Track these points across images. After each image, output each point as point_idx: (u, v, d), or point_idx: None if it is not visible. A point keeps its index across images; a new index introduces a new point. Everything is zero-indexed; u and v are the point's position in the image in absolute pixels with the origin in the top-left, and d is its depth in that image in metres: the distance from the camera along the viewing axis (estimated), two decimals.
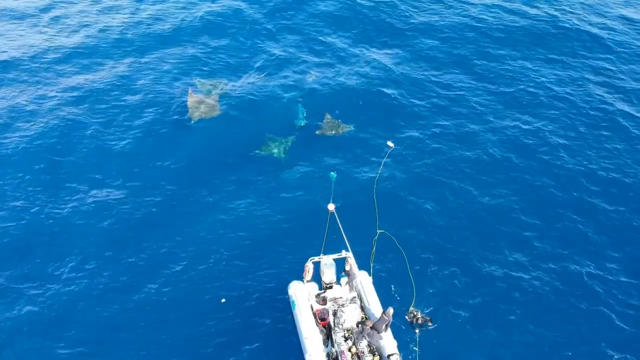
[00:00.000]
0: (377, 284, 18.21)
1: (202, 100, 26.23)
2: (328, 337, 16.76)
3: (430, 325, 17.77)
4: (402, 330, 17.57)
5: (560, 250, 20.50)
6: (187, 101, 25.97)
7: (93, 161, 23.52)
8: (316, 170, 23.19)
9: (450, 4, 34.19)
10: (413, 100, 26.81)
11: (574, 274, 19.72)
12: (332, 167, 22.82)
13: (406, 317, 18.03)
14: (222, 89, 27.36)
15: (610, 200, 22.16)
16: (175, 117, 25.64)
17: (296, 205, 21.77)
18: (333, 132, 24.97)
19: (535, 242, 20.74)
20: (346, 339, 16.42)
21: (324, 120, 25.65)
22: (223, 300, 19.07)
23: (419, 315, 17.95)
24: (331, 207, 18.65)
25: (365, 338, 16.09)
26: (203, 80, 27.88)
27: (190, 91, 26.45)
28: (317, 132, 25.17)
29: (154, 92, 27.12)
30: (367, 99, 26.84)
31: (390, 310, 16.32)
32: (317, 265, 17.97)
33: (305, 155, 23.86)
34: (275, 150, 23.55)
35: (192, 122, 25.26)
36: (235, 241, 20.54)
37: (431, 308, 18.41)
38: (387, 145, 22.06)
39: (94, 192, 22.24)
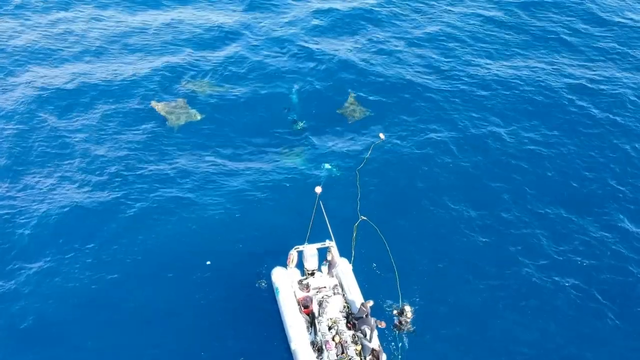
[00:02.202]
0: (360, 272, 18.80)
1: (177, 106, 25.40)
2: (311, 325, 17.46)
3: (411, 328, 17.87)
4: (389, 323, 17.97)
5: (552, 242, 21.07)
6: (159, 113, 25.19)
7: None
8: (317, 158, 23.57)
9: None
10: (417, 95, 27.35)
11: (565, 268, 20.32)
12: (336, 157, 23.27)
13: (395, 312, 17.96)
14: (204, 90, 26.93)
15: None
16: (153, 128, 24.87)
17: (285, 192, 22.22)
18: (354, 114, 25.44)
19: (525, 230, 21.39)
20: (330, 328, 17.18)
21: (348, 100, 26.14)
22: (208, 262, 19.56)
23: (408, 310, 17.72)
24: (318, 189, 18.95)
25: (362, 327, 16.82)
26: (188, 81, 27.39)
27: (152, 102, 25.58)
28: (338, 111, 25.89)
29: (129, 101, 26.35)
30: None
31: (369, 303, 17.04)
32: (300, 253, 18.51)
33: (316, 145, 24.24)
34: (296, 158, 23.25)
35: (175, 130, 24.54)
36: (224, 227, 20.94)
37: (416, 298, 18.93)
38: (379, 137, 22.28)
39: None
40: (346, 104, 26.28)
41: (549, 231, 21.31)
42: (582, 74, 28.42)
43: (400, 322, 17.62)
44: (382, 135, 21.53)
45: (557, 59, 29.52)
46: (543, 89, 27.57)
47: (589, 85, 27.63)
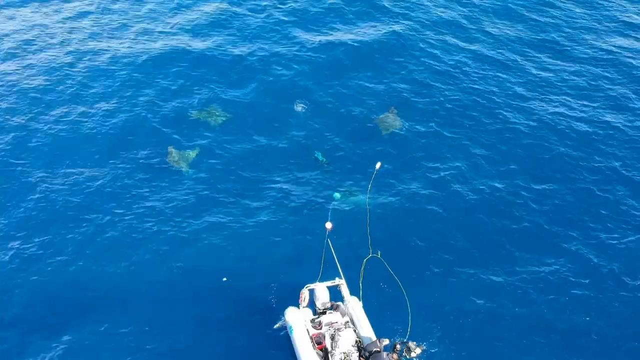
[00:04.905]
0: (369, 308, 19.26)
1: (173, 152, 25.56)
2: None
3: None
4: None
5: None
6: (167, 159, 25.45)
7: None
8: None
9: None
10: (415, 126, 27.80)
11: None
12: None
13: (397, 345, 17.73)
14: (213, 118, 27.37)
15: None
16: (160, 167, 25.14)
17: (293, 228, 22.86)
18: (389, 129, 26.29)
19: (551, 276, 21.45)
20: None
21: (388, 113, 27.28)
22: (225, 279, 20.30)
23: (412, 345, 17.56)
24: (329, 225, 19.60)
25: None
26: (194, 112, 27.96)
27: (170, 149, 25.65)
28: (374, 120, 27.04)
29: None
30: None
31: (385, 341, 17.48)
32: (311, 292, 19.13)
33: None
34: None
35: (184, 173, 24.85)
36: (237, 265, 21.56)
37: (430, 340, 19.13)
38: (375, 167, 22.73)
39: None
40: (383, 116, 27.30)
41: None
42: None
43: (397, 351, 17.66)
44: (378, 165, 21.75)
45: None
46: None
47: None
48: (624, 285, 21.17)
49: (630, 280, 21.31)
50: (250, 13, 34.59)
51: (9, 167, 24.95)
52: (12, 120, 27.19)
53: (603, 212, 23.75)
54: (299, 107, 28.08)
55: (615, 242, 22.61)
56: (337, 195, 20.80)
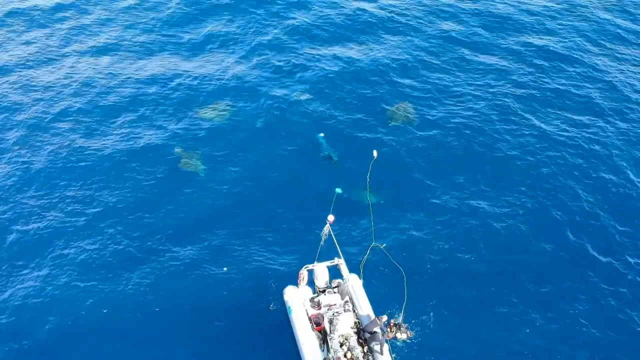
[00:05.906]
0: (369, 289, 19.27)
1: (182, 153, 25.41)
2: (324, 342, 17.95)
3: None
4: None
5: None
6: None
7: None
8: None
9: None
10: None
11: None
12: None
13: (391, 322, 17.99)
14: (218, 115, 27.25)
15: None
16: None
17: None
18: (400, 121, 26.30)
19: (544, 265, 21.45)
20: (341, 344, 17.64)
21: (400, 106, 27.17)
22: (225, 269, 20.48)
23: (403, 326, 17.91)
24: (331, 218, 19.43)
25: (371, 344, 17.24)
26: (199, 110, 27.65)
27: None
28: (387, 112, 27.10)
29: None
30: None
31: (383, 318, 17.47)
32: (310, 272, 19.01)
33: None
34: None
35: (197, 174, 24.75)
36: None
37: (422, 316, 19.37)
38: (372, 155, 22.53)
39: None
40: (394, 108, 27.12)
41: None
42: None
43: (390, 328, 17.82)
44: (375, 153, 21.48)
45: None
46: None
47: None
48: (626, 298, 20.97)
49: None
50: (251, 21, 34.18)
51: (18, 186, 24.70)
52: (28, 138, 26.89)
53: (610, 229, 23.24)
54: (302, 97, 27.97)
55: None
56: (339, 190, 20.93)
